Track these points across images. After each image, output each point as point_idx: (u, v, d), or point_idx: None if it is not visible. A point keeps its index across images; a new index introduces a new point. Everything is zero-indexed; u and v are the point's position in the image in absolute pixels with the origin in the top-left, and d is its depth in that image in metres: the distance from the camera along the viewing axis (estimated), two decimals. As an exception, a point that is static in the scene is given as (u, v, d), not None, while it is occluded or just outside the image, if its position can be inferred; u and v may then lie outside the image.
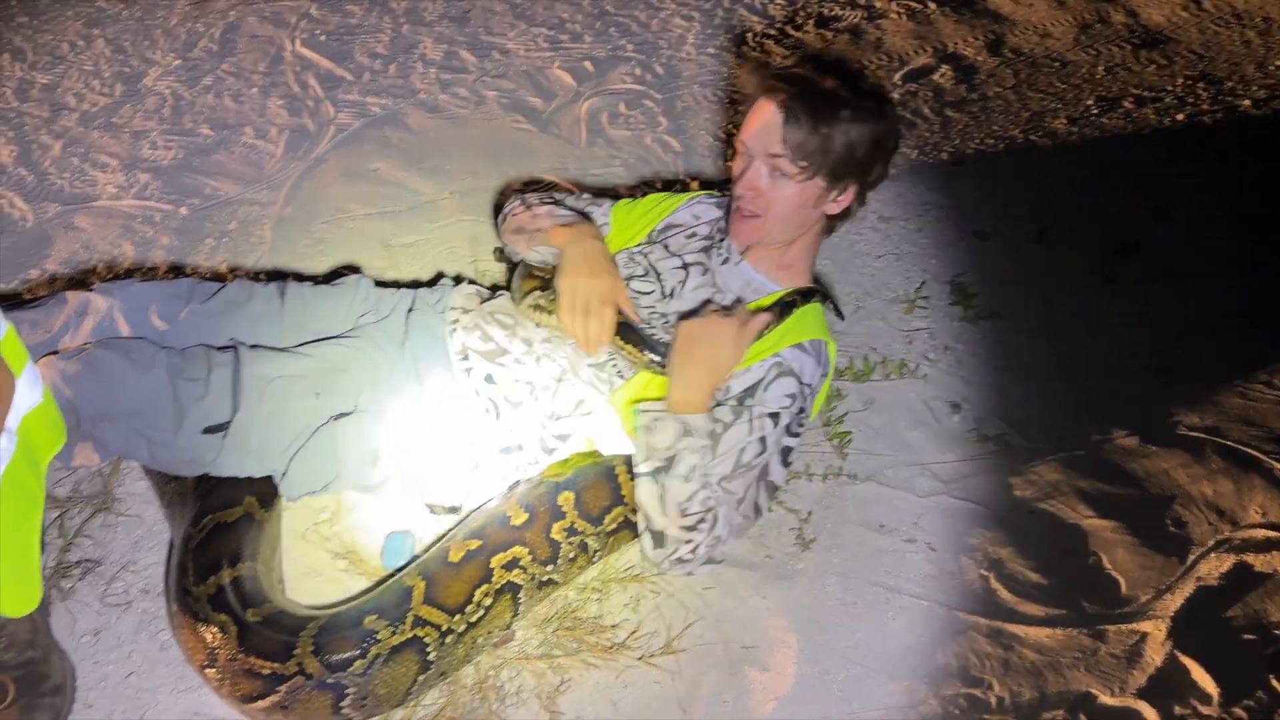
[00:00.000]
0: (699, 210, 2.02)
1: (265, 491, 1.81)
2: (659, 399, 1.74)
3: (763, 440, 1.71)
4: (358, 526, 1.94)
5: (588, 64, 3.15)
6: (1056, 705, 1.80)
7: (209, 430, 1.72)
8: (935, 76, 3.26)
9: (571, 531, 1.79)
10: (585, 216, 2.03)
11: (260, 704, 1.59)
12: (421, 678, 1.67)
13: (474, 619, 1.70)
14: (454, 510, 1.94)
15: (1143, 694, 1.82)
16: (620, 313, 1.80)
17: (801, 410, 1.77)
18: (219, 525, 1.72)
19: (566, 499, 1.80)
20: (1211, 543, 2.07)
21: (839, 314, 2.00)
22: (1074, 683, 1.83)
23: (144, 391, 1.69)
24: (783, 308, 1.82)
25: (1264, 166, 3.01)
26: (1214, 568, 2.02)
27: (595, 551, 1.85)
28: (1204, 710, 1.81)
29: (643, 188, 2.66)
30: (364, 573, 1.88)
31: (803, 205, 1.77)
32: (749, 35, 3.35)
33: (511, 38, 3.23)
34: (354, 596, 1.79)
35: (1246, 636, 1.92)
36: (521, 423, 1.87)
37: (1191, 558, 2.04)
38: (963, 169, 2.91)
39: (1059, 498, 2.12)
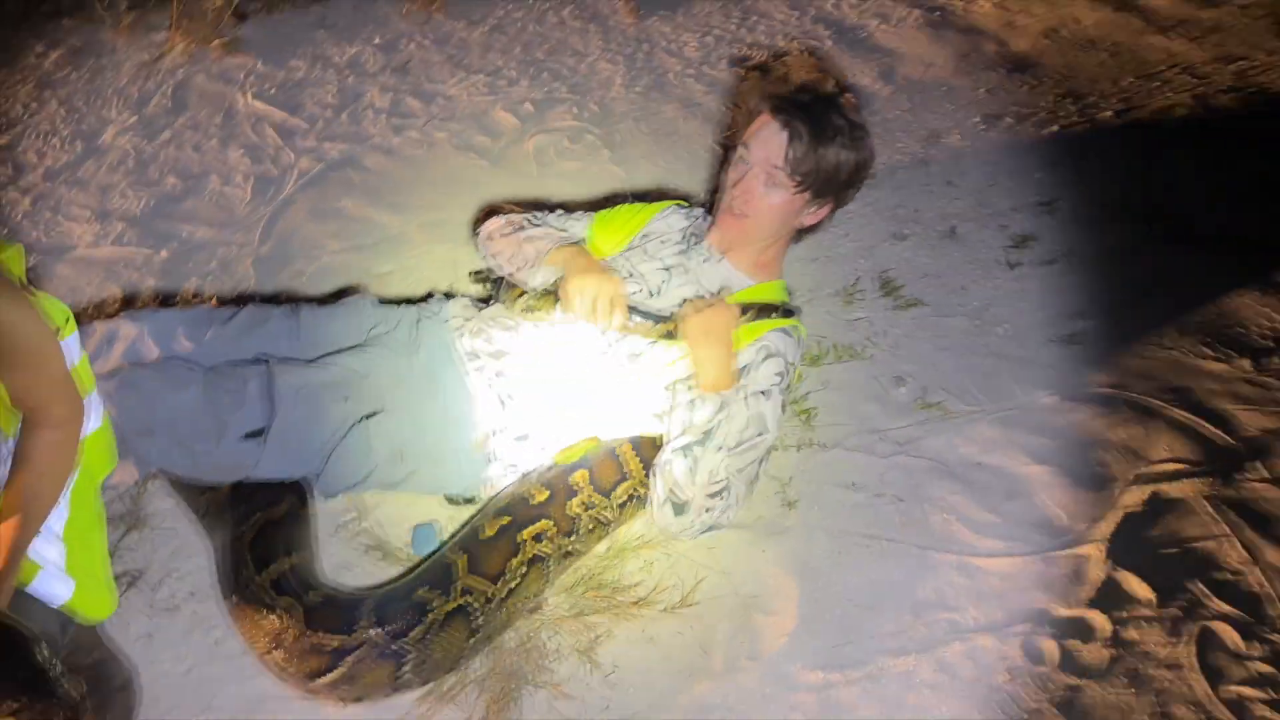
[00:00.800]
0: (671, 220, 2.25)
1: (301, 492, 1.95)
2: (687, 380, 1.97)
3: (761, 417, 1.95)
4: (383, 522, 2.09)
5: (528, 105, 3.38)
6: (1022, 620, 2.07)
7: (249, 436, 1.85)
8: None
9: (588, 506, 1.98)
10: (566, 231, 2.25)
11: (327, 678, 1.72)
12: (470, 642, 1.83)
13: (512, 585, 1.87)
14: (471, 500, 2.10)
15: (1091, 604, 2.11)
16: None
17: (787, 389, 2.02)
18: (269, 521, 1.84)
19: (581, 477, 1.99)
20: (1130, 478, 2.39)
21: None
22: (1033, 601, 2.10)
23: (183, 404, 1.82)
24: (763, 309, 2.06)
25: (1127, 165, 3.45)
26: (1135, 498, 2.34)
27: (609, 523, 2.05)
28: (1142, 613, 2.10)
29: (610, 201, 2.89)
30: (397, 563, 2.02)
31: (787, 215, 2.02)
32: (670, 76, 3.64)
33: (452, 84, 3.44)
34: (398, 577, 1.93)
35: (1168, 551, 2.23)
36: (530, 413, 2.06)
37: (1115, 492, 2.35)
38: (876, 181, 3.24)
39: (999, 451, 2.42)
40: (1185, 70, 4.11)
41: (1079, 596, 2.12)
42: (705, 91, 3.59)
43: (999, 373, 2.62)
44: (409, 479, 2.00)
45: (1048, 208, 3.23)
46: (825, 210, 2.05)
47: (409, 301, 2.26)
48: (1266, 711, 1.95)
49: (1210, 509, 2.32)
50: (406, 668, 1.76)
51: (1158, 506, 2.32)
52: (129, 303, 2.47)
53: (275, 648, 1.72)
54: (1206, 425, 2.52)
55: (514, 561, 1.87)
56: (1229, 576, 2.18)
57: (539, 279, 2.11)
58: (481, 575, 1.83)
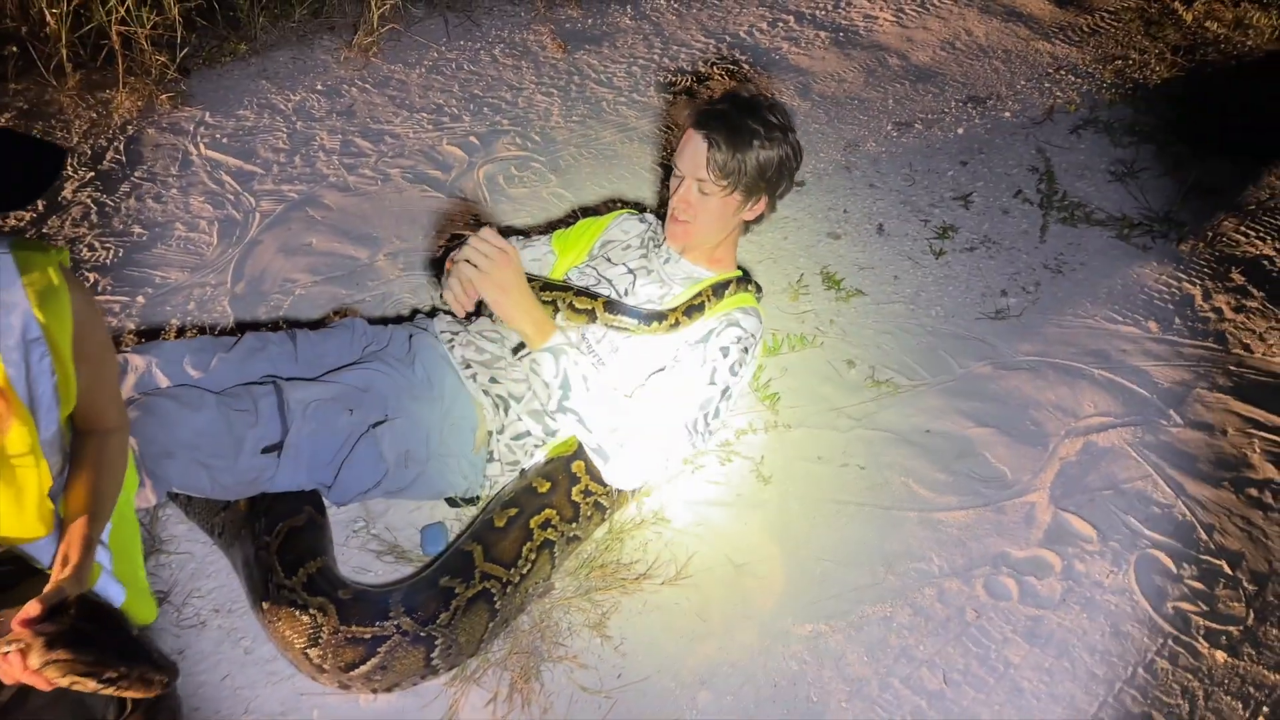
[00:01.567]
0: (626, 226, 2.43)
1: (316, 501, 2.06)
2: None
3: (713, 371, 2.10)
4: (391, 527, 2.21)
5: (473, 138, 3.55)
6: (982, 564, 2.29)
7: (266, 450, 1.97)
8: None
9: (586, 493, 2.14)
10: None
11: (363, 668, 1.84)
12: (490, 625, 1.96)
13: (525, 571, 2.01)
14: (473, 501, 2.24)
15: (1042, 544, 2.34)
16: (600, 296, 2.18)
17: (745, 351, 2.15)
18: (292, 529, 1.96)
19: (579, 467, 2.14)
20: (1063, 432, 2.64)
21: (759, 290, 2.43)
22: (991, 546, 2.33)
23: (201, 425, 1.92)
24: (718, 287, 2.24)
25: (1028, 160, 3.77)
26: (1069, 449, 2.59)
27: (607, 508, 2.20)
28: (1088, 548, 2.34)
29: (574, 216, 3.07)
30: (409, 563, 2.14)
31: (724, 214, 2.20)
32: (604, 104, 3.85)
33: (397, 124, 3.59)
34: (416, 573, 2.05)
35: (1105, 492, 2.48)
36: (525, 414, 2.21)
37: (1052, 445, 2.60)
38: (805, 188, 3.49)
39: (945, 417, 2.65)
40: (1070, 71, 4.49)
41: (1031, 539, 2.35)
42: (638, 116, 3.80)
43: (937, 349, 2.86)
44: (416, 483, 2.12)
45: (963, 201, 3.52)
46: (762, 204, 2.22)
47: (395, 321, 2.38)
48: (1204, 621, 2.20)
49: (1136, 454, 2.58)
50: (436, 652, 1.88)
51: (1091, 455, 2.58)
52: (116, 344, 2.54)
53: (312, 645, 1.83)
54: (1125, 382, 2.80)
55: (525, 548, 2.02)
56: (1158, 511, 2.44)
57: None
58: (497, 562, 1.97)
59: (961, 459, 2.54)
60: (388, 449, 2.07)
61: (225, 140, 3.38)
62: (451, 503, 2.24)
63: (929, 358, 2.83)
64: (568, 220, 3.14)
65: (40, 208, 3.01)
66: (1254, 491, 2.50)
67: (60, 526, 1.47)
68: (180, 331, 2.60)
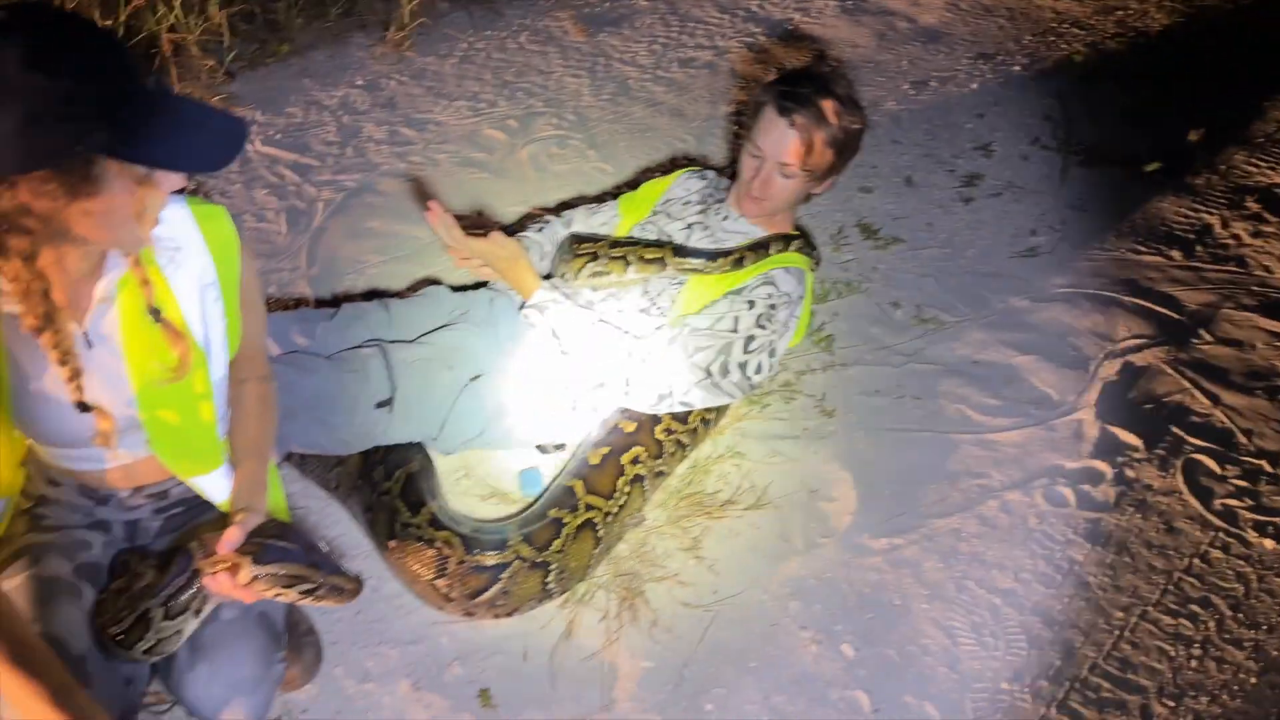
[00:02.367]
0: (688, 183, 2.58)
1: (423, 451, 2.23)
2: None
3: (736, 320, 2.22)
4: (489, 475, 2.37)
5: (511, 121, 3.71)
6: (1039, 476, 2.45)
7: (379, 405, 2.14)
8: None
9: (668, 431, 2.30)
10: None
11: (487, 594, 2.00)
12: (595, 551, 2.13)
13: (621, 503, 2.18)
14: (560, 447, 2.40)
15: (1092, 456, 2.51)
16: (667, 244, 2.32)
17: (773, 308, 2.27)
18: (409, 474, 2.12)
19: (659, 407, 2.31)
20: (1101, 355, 2.80)
21: (813, 248, 2.55)
22: (1045, 461, 2.49)
23: (317, 387, 2.09)
24: (758, 245, 2.37)
25: (1042, 109, 3.93)
26: (1109, 370, 2.75)
27: (687, 445, 2.37)
28: (1136, 456, 2.51)
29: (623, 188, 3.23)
30: (512, 505, 2.31)
31: (800, 192, 2.33)
32: (630, 82, 4.01)
33: (437, 112, 3.75)
34: (522, 509, 2.22)
35: (1146, 406, 2.65)
36: (604, 364, 2.36)
37: (1091, 367, 2.76)
38: (833, 148, 3.65)
39: (990, 349, 2.81)
40: (1074, 24, 4.64)
41: (1081, 451, 2.52)
42: (665, 91, 3.96)
43: (975, 287, 3.02)
44: (511, 432, 2.29)
45: (984, 151, 3.67)
46: (831, 182, 2.35)
47: (473, 288, 2.55)
48: (1250, 514, 2.36)
49: (1172, 371, 2.74)
50: (550, 577, 2.05)
51: (1130, 374, 2.74)
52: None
53: (439, 575, 2.00)
54: (1155, 307, 2.96)
55: (620, 481, 2.18)
56: (1197, 420, 2.61)
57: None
58: (597, 494, 2.14)
59: (1009, 385, 2.70)
60: (486, 401, 2.23)
61: (278, 136, 3.54)
62: (541, 449, 2.41)
63: (969, 295, 2.99)
64: (618, 191, 3.30)
65: (114, 209, 3.16)
66: (1286, 397, 2.66)
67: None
68: (278, 306, 2.76)
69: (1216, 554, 2.28)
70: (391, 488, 2.10)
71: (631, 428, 2.26)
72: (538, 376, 2.31)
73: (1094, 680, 2.03)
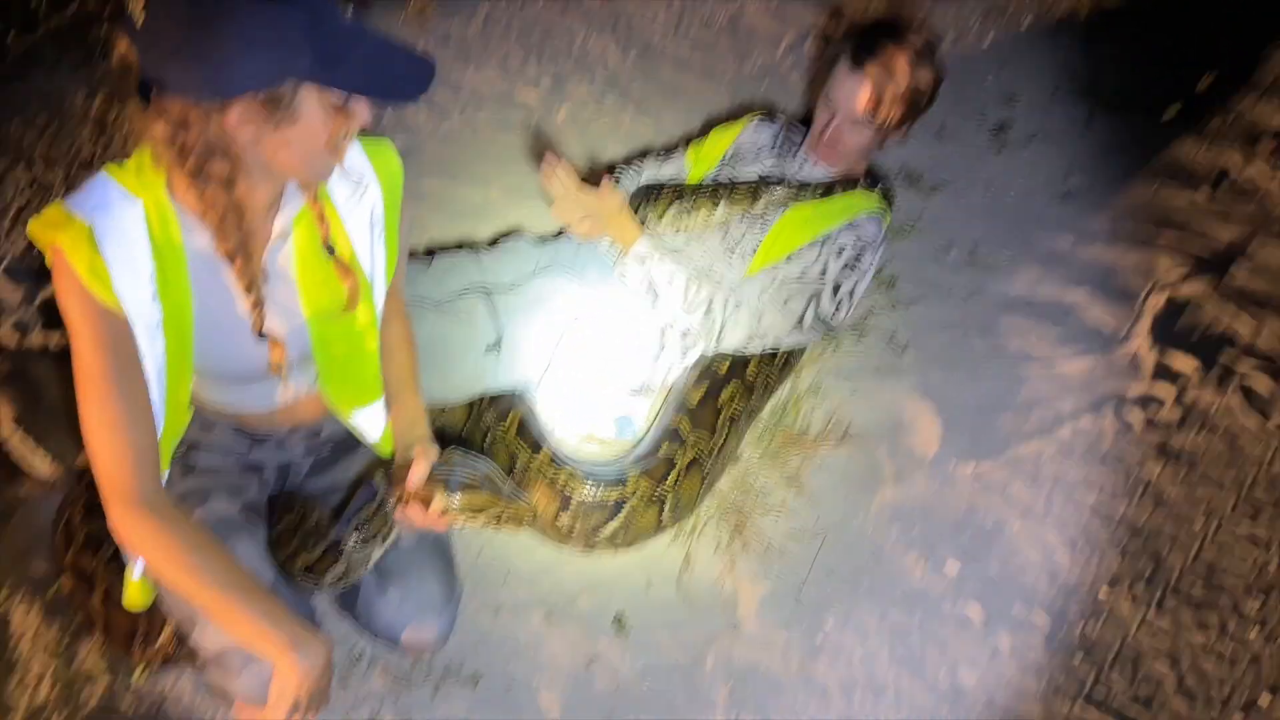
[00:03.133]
0: (759, 131, 2.62)
1: (524, 399, 2.28)
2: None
3: (824, 267, 2.30)
4: (585, 419, 2.43)
5: (546, 81, 3.74)
6: (1106, 401, 2.56)
7: (489, 349, 2.18)
8: (806, 46, 4.10)
9: (758, 371, 2.37)
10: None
11: (607, 529, 2.07)
12: (703, 485, 2.20)
13: (722, 440, 2.25)
14: (649, 391, 2.46)
15: (1154, 380, 2.62)
16: (755, 181, 2.38)
17: (859, 255, 2.35)
18: (520, 417, 2.17)
19: (748, 347, 2.38)
20: (1147, 288, 2.92)
21: (887, 193, 2.59)
22: (1110, 387, 2.61)
23: (428, 333, 2.11)
24: (828, 186, 2.44)
25: (1057, 59, 4.05)
26: (1156, 301, 2.87)
27: (773, 385, 2.44)
28: (1194, 379, 2.62)
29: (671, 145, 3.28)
30: (609, 448, 2.37)
31: (874, 142, 2.38)
32: (653, 41, 4.05)
33: (469, 75, 3.76)
34: (631, 447, 2.28)
35: (1195, 334, 2.76)
36: (697, 313, 2.42)
37: (1140, 299, 2.88)
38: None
39: (1043, 284, 2.92)
40: (1074, -22, 4.75)
41: (1142, 377, 2.63)
42: (691, 49, 4.01)
43: (1021, 228, 3.12)
44: (606, 376, 2.34)
45: (1009, 101, 3.77)
46: (908, 128, 2.39)
47: (554, 237, 2.59)
48: (1307, 429, 2.49)
49: (1216, 300, 2.86)
50: (665, 510, 2.12)
51: (1177, 304, 2.86)
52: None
53: (562, 509, 2.06)
54: (1191, 242, 3.08)
55: (719, 419, 2.25)
56: (1245, 343, 2.73)
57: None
58: (702, 431, 2.20)
59: (1065, 318, 2.81)
60: (585, 345, 2.29)
61: (315, 103, 3.53)
62: (632, 392, 2.46)
63: (1015, 236, 3.09)
64: (664, 148, 3.35)
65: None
66: (1326, 321, 2.80)
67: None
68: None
69: (1280, 465, 2.40)
70: (506, 430, 2.15)
71: (724, 368, 2.33)
72: (629, 321, 2.36)
73: (1185, 583, 2.15)
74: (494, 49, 3.93)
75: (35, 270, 2.69)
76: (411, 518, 1.51)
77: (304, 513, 1.64)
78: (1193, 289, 2.91)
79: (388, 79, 1.30)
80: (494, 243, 2.58)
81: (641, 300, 2.30)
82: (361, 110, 1.31)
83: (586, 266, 2.44)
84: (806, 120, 2.51)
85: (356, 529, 1.53)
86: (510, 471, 2.11)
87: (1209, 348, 2.71)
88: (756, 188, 2.32)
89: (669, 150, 2.74)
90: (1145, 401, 2.56)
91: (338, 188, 1.49)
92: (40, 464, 2.03)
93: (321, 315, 1.53)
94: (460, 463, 1.54)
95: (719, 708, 1.94)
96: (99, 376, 1.28)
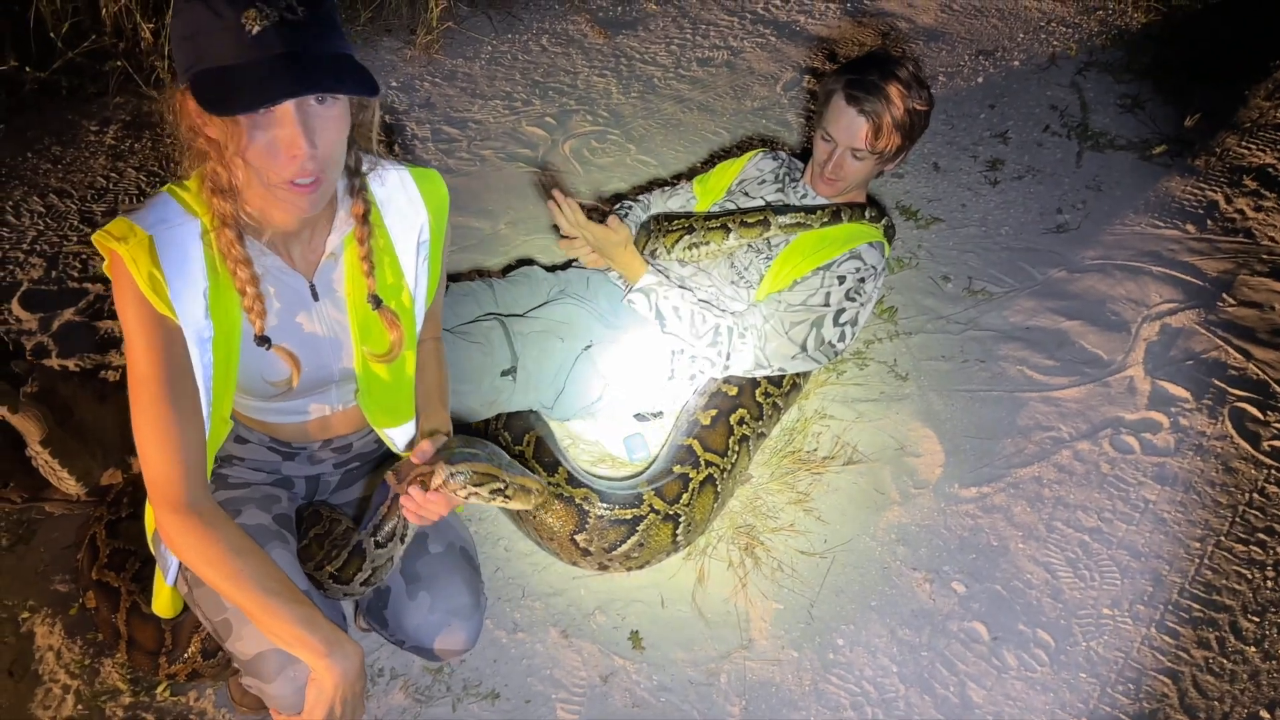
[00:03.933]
0: (761, 164, 2.71)
1: (540, 419, 2.33)
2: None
3: (828, 294, 2.36)
4: (595, 442, 2.48)
5: (548, 118, 3.82)
6: (1103, 427, 2.63)
7: (504, 373, 2.23)
8: (803, 84, 4.20)
9: (766, 394, 2.43)
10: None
11: (623, 547, 2.11)
12: (715, 505, 2.25)
13: (733, 460, 2.30)
14: (658, 415, 2.52)
15: (1148, 408, 2.69)
16: (765, 208, 2.44)
17: (862, 281, 2.42)
18: (538, 438, 2.22)
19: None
20: (1140, 318, 3.00)
21: (888, 224, 2.67)
22: (1106, 413, 2.67)
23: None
24: (835, 210, 2.52)
25: (1047, 99, 4.17)
26: (1149, 331, 2.95)
27: (781, 409, 2.50)
28: (1187, 407, 2.70)
29: (669, 181, 3.35)
30: (622, 468, 2.42)
31: (872, 172, 2.46)
32: (655, 80, 4.15)
33: (475, 111, 3.85)
34: (640, 470, 2.33)
35: (1188, 362, 2.84)
36: (704, 341, 2.48)
37: (1133, 329, 2.96)
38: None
39: (1039, 315, 3.00)
40: (1060, 23, 4.91)
41: (1138, 404, 2.70)
42: (690, 88, 4.12)
43: (1016, 261, 3.21)
44: (617, 400, 2.40)
45: (1001, 138, 3.89)
46: (904, 156, 2.48)
47: (563, 268, 2.65)
48: (1296, 453, 2.56)
49: (1205, 330, 2.95)
50: (679, 529, 2.16)
51: (1169, 334, 2.94)
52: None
53: (579, 530, 2.10)
54: (1180, 275, 3.18)
55: (730, 440, 2.31)
56: (1234, 373, 2.81)
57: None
58: (713, 451, 2.26)
59: (1062, 347, 2.89)
60: (597, 370, 2.34)
61: (325, 136, 3.60)
62: (639, 417, 2.52)
63: (1011, 268, 3.18)
64: (668, 182, 3.44)
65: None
66: (1312, 350, 2.89)
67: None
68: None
69: (1272, 488, 2.47)
70: (524, 450, 2.20)
71: (734, 391, 2.39)
72: (639, 348, 2.42)
73: (1184, 602, 2.21)
74: (499, 85, 4.03)
75: (53, 297, 2.73)
76: (415, 499, 1.49)
77: (330, 523, 1.68)
78: (1183, 320, 2.99)
79: (248, 89, 1.17)
80: (506, 272, 2.64)
81: (650, 327, 2.36)
82: (284, 116, 1.21)
83: (597, 295, 2.51)
84: (804, 154, 2.59)
85: (374, 530, 1.56)
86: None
87: (1200, 377, 2.79)
88: (765, 215, 2.39)
89: (673, 183, 2.81)
90: (1141, 427, 2.63)
91: (390, 210, 1.54)
92: (66, 482, 2.06)
93: (366, 334, 1.57)
94: (463, 442, 1.55)
95: (733, 723, 1.97)
96: (153, 382, 1.32)
